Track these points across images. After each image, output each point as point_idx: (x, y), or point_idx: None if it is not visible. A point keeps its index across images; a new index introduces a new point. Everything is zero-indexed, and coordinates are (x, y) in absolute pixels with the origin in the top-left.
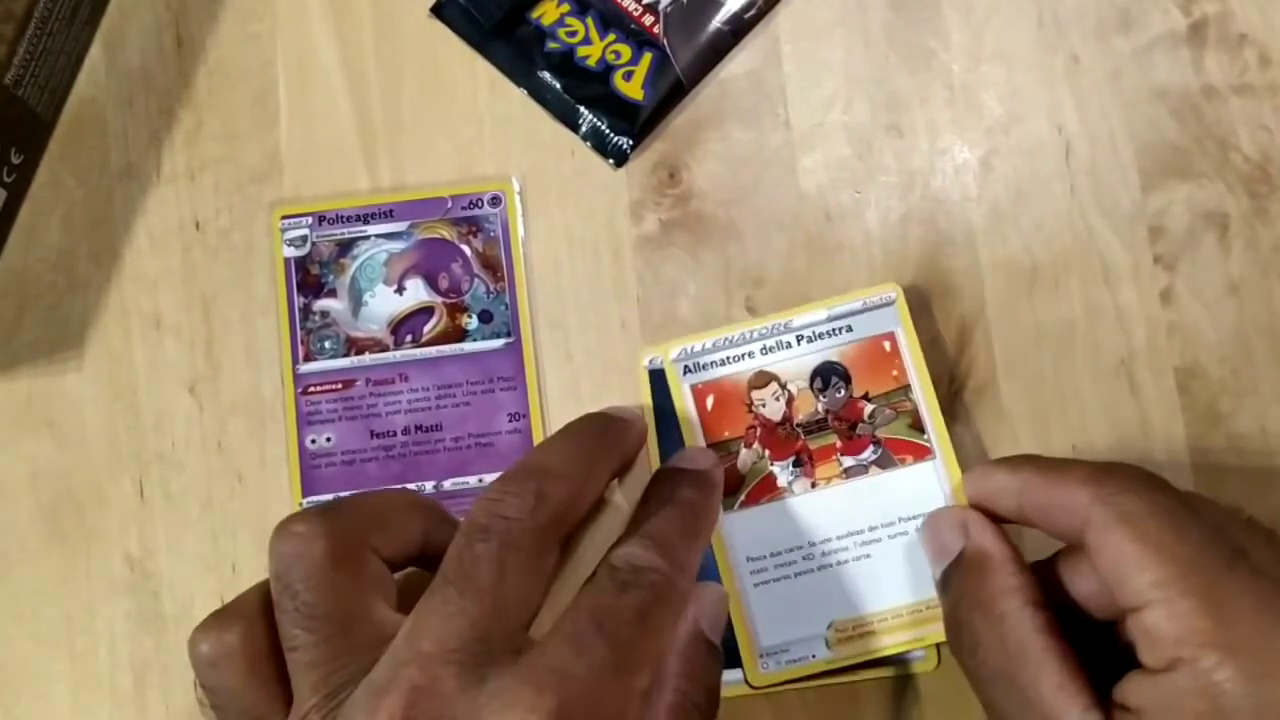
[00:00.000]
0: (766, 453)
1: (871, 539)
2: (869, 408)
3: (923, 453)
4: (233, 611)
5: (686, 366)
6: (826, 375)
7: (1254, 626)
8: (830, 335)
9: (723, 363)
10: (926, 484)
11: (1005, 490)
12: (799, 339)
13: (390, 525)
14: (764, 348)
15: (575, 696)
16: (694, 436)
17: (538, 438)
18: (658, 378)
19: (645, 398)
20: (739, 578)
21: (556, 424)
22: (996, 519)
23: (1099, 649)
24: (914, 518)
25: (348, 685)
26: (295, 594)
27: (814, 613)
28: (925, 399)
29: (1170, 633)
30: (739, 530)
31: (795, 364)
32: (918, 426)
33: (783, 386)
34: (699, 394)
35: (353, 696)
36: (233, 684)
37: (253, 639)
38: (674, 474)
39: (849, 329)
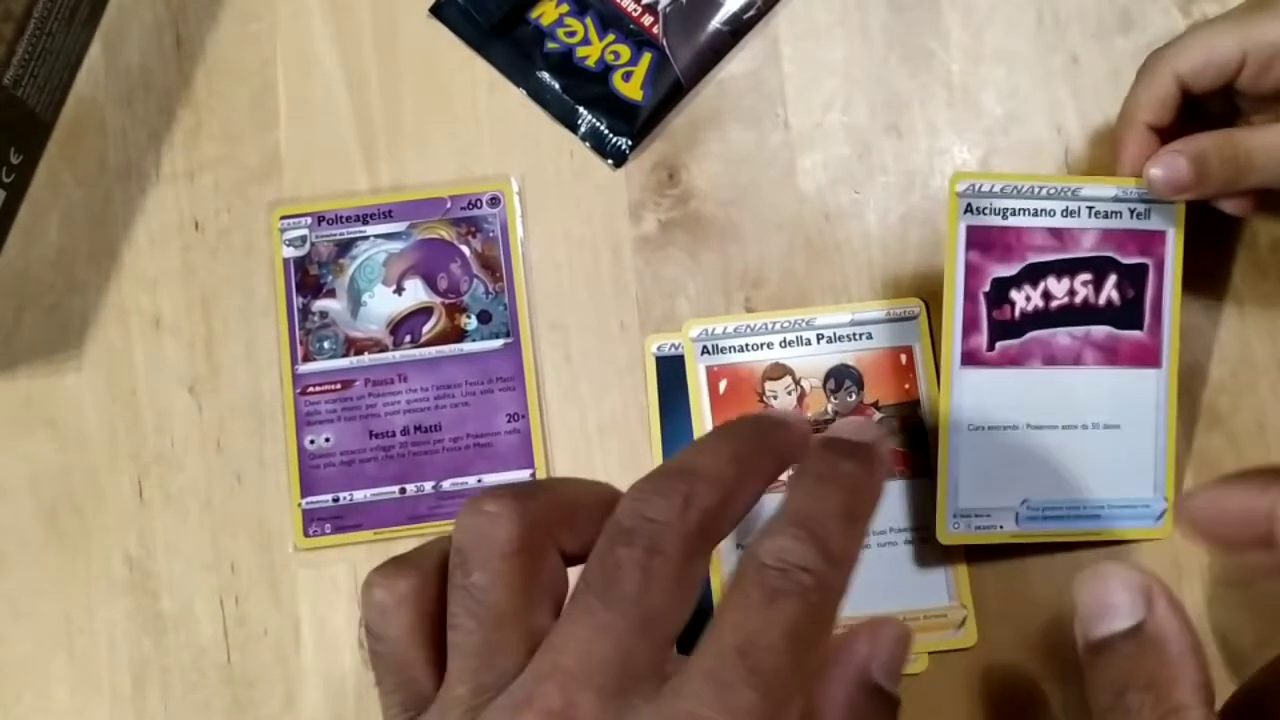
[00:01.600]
0: None
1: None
2: (877, 416)
3: (919, 469)
4: (412, 562)
5: (705, 347)
6: (840, 378)
7: None
8: (850, 339)
9: (741, 349)
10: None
11: (1253, 511)
12: (819, 337)
13: (579, 520)
14: (784, 340)
15: None
16: (703, 418)
17: (536, 438)
18: (665, 364)
19: (650, 388)
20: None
21: (556, 424)
22: (1225, 548)
23: None
24: (904, 529)
25: (496, 685)
26: (469, 573)
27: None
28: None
29: None
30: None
31: (812, 362)
32: (919, 443)
33: (796, 382)
34: (713, 376)
35: (494, 703)
36: (396, 635)
37: (425, 595)
38: (833, 445)
39: (869, 335)
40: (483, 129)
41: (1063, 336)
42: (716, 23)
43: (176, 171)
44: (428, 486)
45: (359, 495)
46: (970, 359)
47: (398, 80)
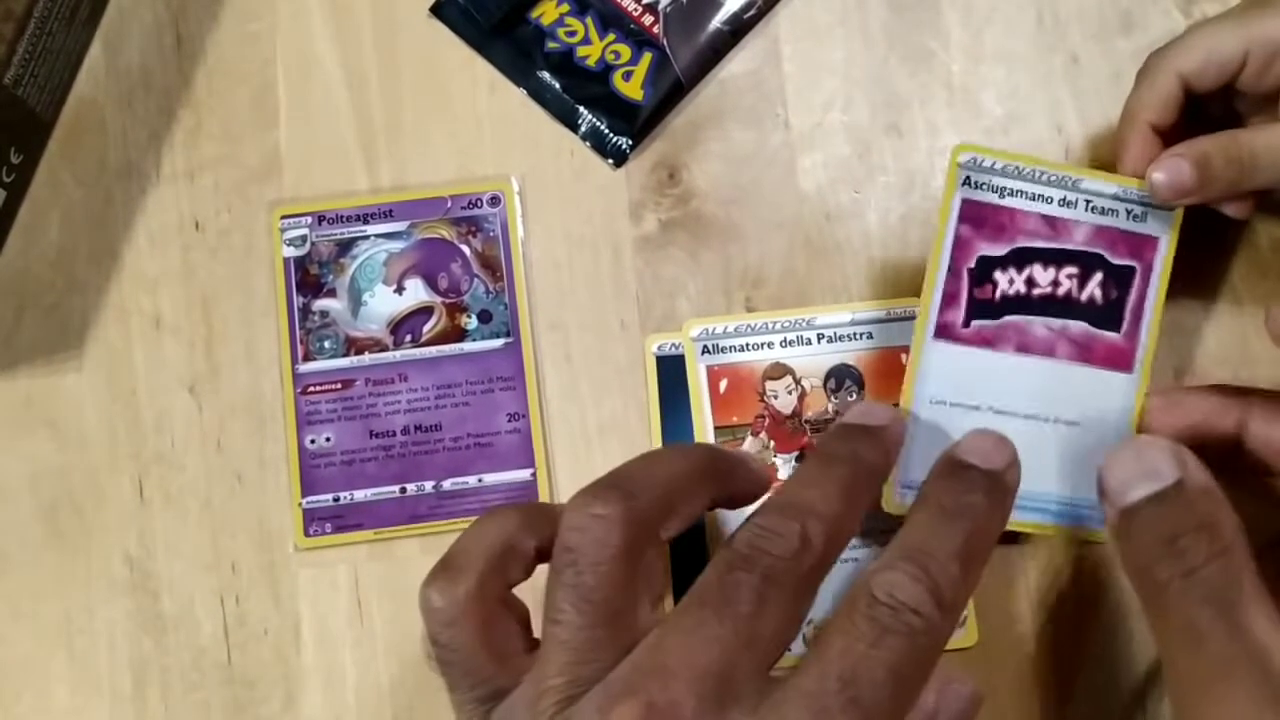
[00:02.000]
0: (772, 444)
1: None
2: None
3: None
4: (461, 567)
5: (705, 346)
6: (841, 377)
7: None
8: (850, 339)
9: (741, 349)
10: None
11: (1220, 416)
12: (819, 337)
13: (680, 508)
14: (784, 340)
15: None
16: (703, 417)
17: (537, 438)
18: (665, 364)
19: (650, 387)
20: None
21: (556, 424)
22: (1193, 441)
23: None
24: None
25: (592, 678)
26: (580, 572)
27: None
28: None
29: None
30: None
31: (812, 361)
32: None
33: (797, 381)
34: (714, 375)
35: (590, 693)
36: (464, 641)
37: (484, 597)
38: (964, 472)
39: (869, 335)
40: (483, 129)
41: (1039, 326)
42: (717, 22)
43: (177, 171)
44: (428, 486)
45: (359, 495)
46: (944, 332)
47: (398, 80)
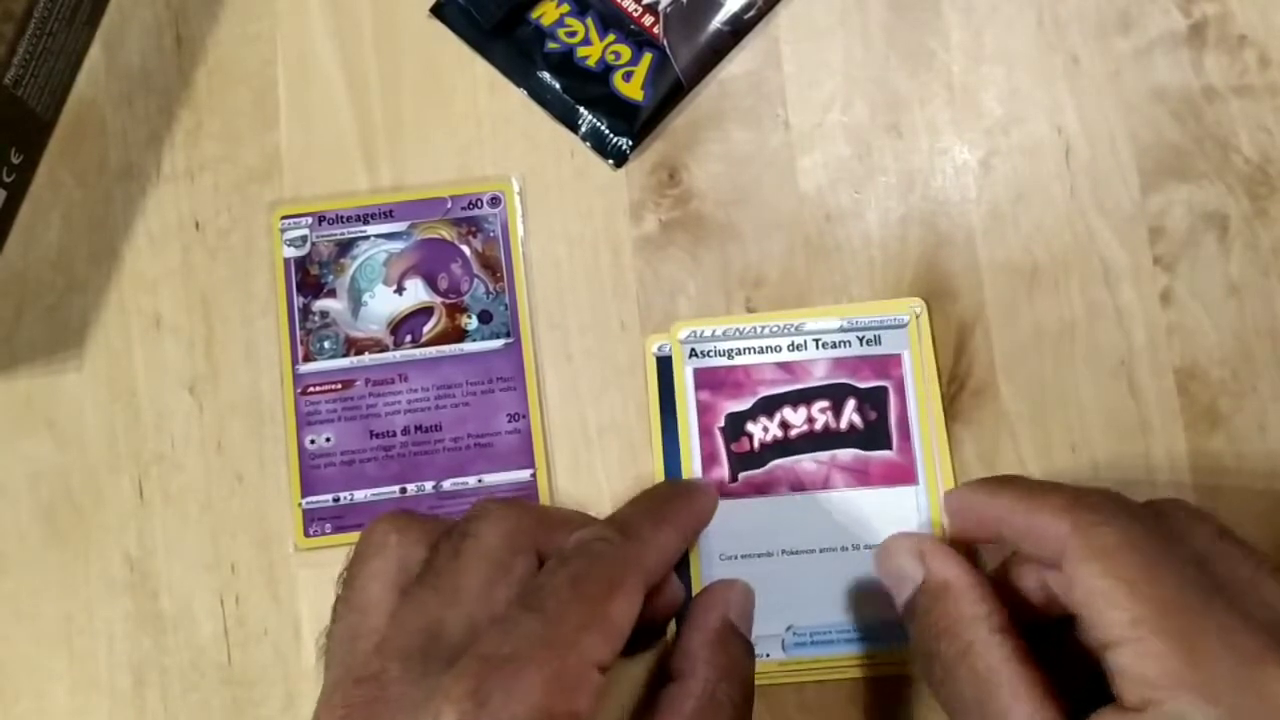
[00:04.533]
0: None
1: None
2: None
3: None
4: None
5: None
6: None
7: (1228, 666)
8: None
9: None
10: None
11: (984, 514)
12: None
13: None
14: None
15: (496, 675)
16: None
17: (537, 438)
18: (665, 364)
19: (650, 388)
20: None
21: (556, 424)
22: (975, 542)
23: (1069, 658)
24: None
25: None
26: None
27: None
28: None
29: (1144, 673)
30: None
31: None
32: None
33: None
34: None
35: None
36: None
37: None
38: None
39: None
40: (483, 129)
41: (807, 462)
42: (717, 23)
43: (177, 171)
44: (428, 486)
45: (359, 495)
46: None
47: (398, 80)
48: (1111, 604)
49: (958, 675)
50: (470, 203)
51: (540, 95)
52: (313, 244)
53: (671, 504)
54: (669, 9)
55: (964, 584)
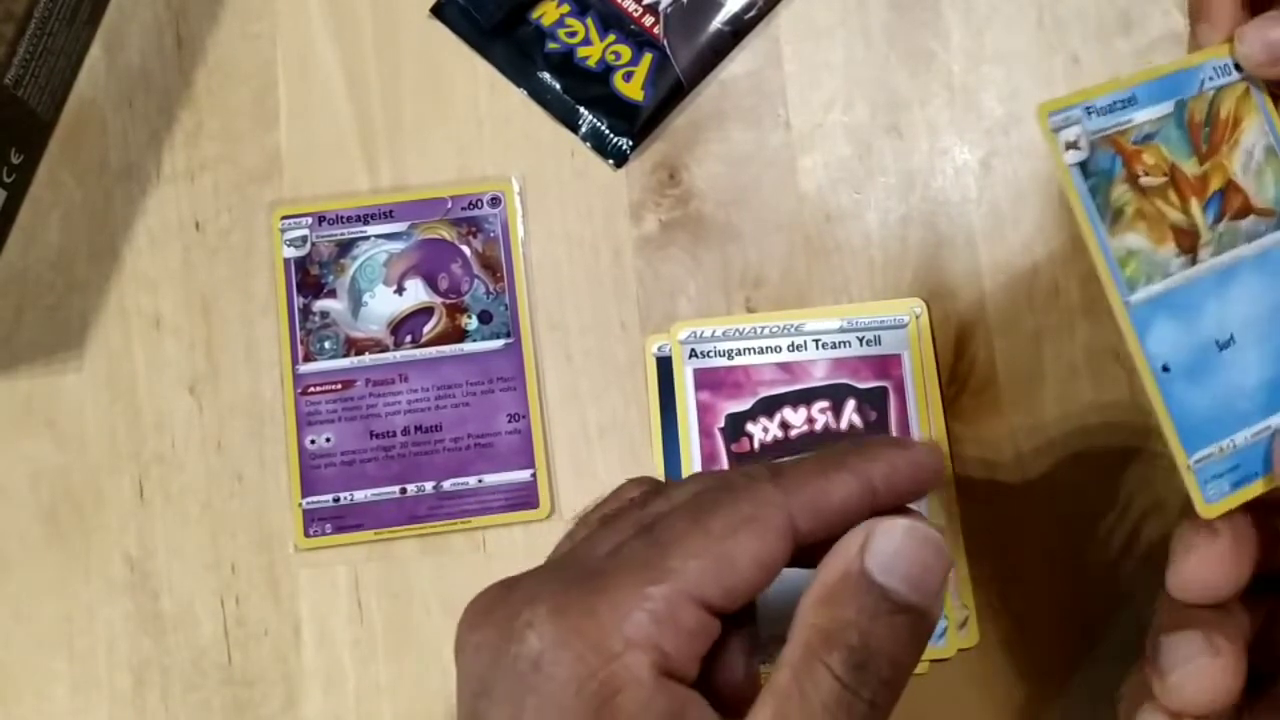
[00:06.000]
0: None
1: None
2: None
3: None
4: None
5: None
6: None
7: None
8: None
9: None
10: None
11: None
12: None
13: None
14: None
15: (578, 595)
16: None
17: (537, 438)
18: (665, 365)
19: (650, 388)
20: None
21: (556, 424)
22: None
23: None
24: None
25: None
26: None
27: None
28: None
29: None
30: None
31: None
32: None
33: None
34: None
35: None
36: None
37: None
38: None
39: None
40: (483, 129)
41: None
42: (718, 23)
43: (177, 171)
44: (428, 486)
45: (360, 495)
46: None
47: (398, 80)
48: None
49: None
50: (470, 203)
51: (540, 95)
52: (313, 244)
53: (856, 454)
54: (669, 9)
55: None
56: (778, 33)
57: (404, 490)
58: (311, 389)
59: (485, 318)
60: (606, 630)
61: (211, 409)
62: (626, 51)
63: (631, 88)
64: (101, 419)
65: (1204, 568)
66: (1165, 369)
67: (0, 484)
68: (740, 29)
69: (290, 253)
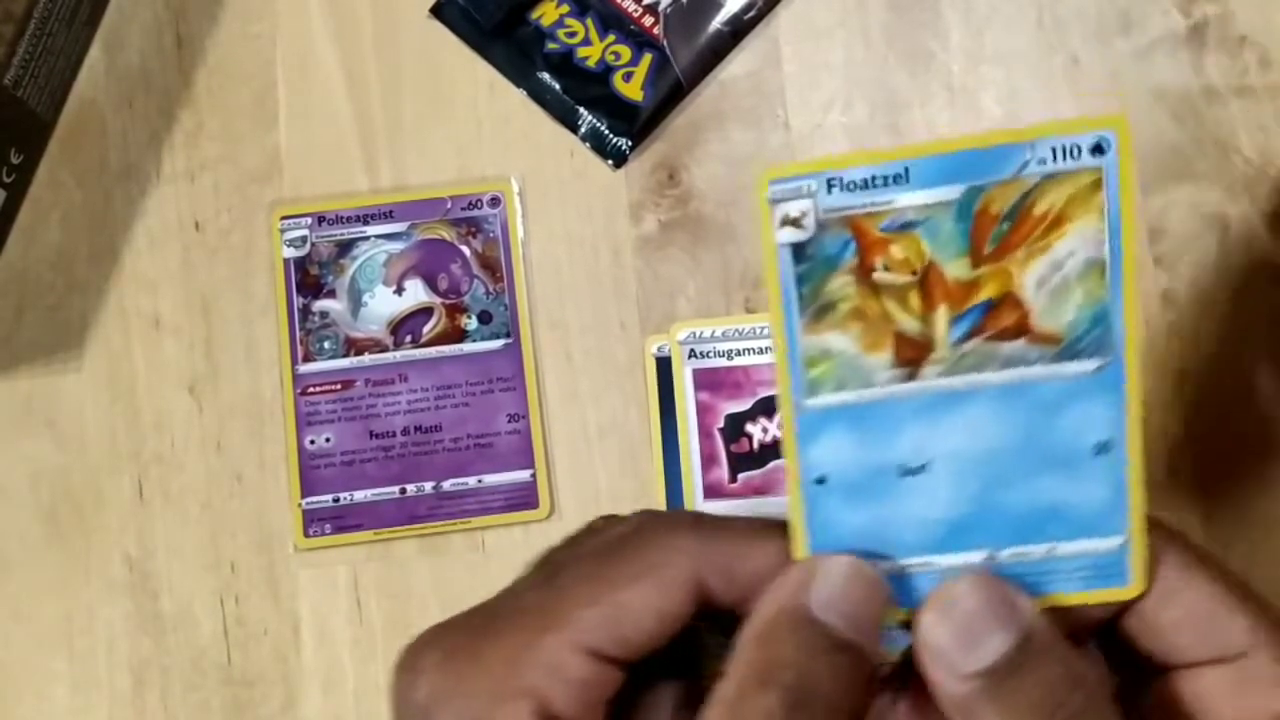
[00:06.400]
0: None
1: None
2: None
3: None
4: None
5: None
6: None
7: None
8: None
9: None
10: None
11: None
12: None
13: None
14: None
15: (467, 644)
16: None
17: (537, 438)
18: (665, 365)
19: (650, 388)
20: None
21: (556, 424)
22: None
23: None
24: None
25: None
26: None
27: None
28: None
29: (1275, 676)
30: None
31: None
32: None
33: None
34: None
35: None
36: None
37: None
38: None
39: None
40: (483, 129)
41: None
42: (717, 23)
43: (177, 172)
44: (428, 487)
45: (359, 495)
46: (713, 492)
47: (398, 80)
48: (1232, 610)
49: None
50: (470, 203)
51: (540, 96)
52: (313, 244)
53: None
54: (669, 9)
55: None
56: (777, 33)
57: (404, 490)
58: (311, 389)
59: (485, 318)
60: (493, 678)
61: (211, 409)
62: (626, 52)
63: (631, 88)
64: (101, 419)
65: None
66: (820, 480)
67: (0, 484)
68: (740, 29)
69: (290, 253)
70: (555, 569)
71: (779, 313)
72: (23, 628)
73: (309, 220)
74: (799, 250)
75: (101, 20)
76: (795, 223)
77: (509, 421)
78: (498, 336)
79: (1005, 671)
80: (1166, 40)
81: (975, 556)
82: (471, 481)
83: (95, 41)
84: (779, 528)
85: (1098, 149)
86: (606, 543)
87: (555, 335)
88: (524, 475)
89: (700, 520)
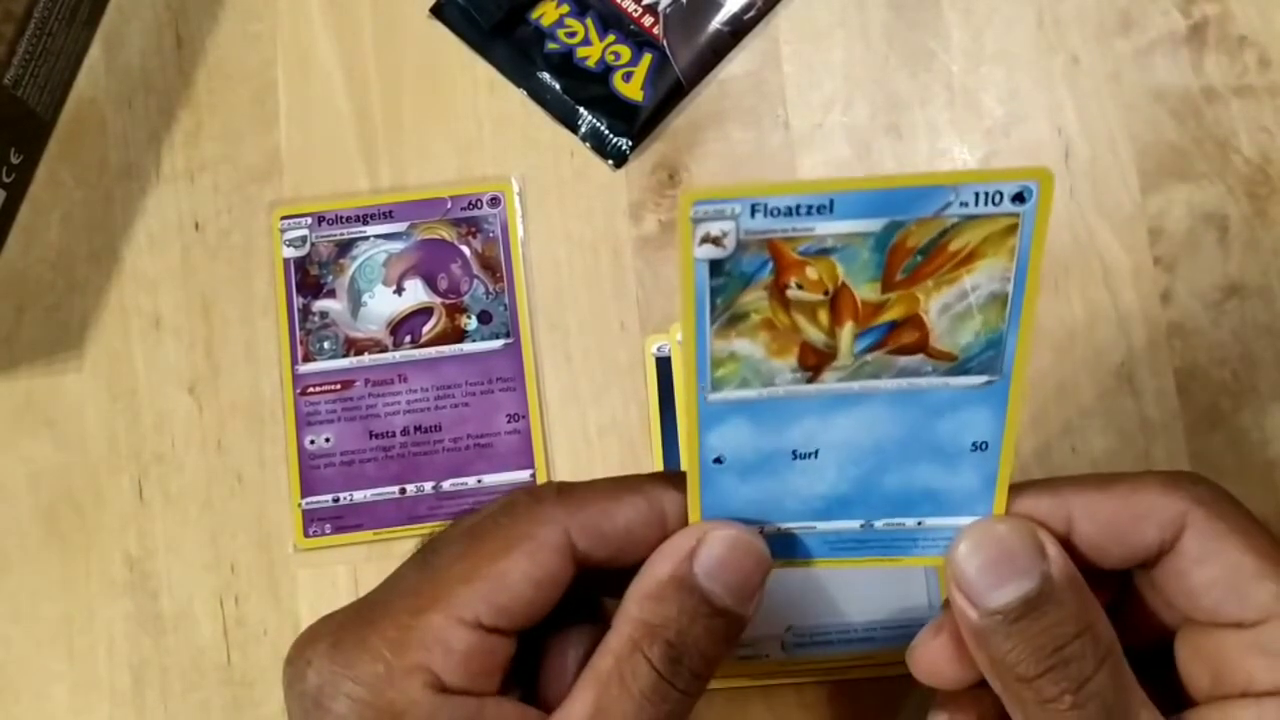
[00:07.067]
0: None
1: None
2: None
3: None
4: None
5: None
6: None
7: None
8: None
9: None
10: None
11: (1049, 518)
12: None
13: None
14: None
15: (352, 627)
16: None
17: (536, 438)
18: (665, 365)
19: (650, 388)
20: None
21: (556, 424)
22: None
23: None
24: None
25: None
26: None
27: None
28: None
29: None
30: None
31: None
32: None
33: None
34: None
35: None
36: None
37: None
38: None
39: None
40: (483, 129)
41: None
42: (717, 23)
43: (177, 171)
44: (428, 487)
45: (359, 495)
46: None
47: (398, 80)
48: (1257, 577)
49: (1099, 681)
50: (470, 203)
51: (540, 96)
52: (312, 244)
53: (654, 480)
54: (669, 9)
55: (1082, 580)
56: (777, 33)
57: (403, 490)
58: (311, 389)
59: (485, 318)
60: (381, 660)
61: (211, 409)
62: (626, 52)
63: (631, 88)
64: (101, 419)
65: (927, 661)
66: (718, 460)
67: (0, 484)
68: (739, 29)
69: (290, 253)
70: (431, 551)
71: (691, 321)
72: (22, 628)
73: (309, 220)
74: (716, 266)
75: (101, 20)
76: (716, 241)
77: (509, 421)
78: (498, 336)
79: (1020, 612)
80: (1166, 40)
81: (853, 524)
82: (471, 482)
83: (95, 41)
84: (638, 481)
85: (1019, 197)
86: (478, 520)
87: (555, 335)
88: (524, 475)
89: (564, 488)
